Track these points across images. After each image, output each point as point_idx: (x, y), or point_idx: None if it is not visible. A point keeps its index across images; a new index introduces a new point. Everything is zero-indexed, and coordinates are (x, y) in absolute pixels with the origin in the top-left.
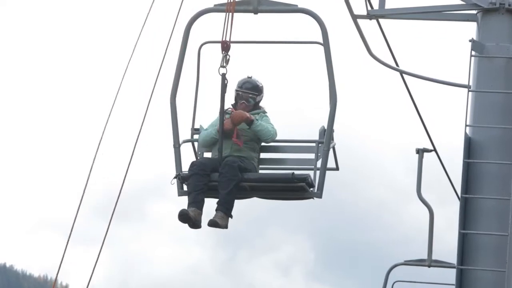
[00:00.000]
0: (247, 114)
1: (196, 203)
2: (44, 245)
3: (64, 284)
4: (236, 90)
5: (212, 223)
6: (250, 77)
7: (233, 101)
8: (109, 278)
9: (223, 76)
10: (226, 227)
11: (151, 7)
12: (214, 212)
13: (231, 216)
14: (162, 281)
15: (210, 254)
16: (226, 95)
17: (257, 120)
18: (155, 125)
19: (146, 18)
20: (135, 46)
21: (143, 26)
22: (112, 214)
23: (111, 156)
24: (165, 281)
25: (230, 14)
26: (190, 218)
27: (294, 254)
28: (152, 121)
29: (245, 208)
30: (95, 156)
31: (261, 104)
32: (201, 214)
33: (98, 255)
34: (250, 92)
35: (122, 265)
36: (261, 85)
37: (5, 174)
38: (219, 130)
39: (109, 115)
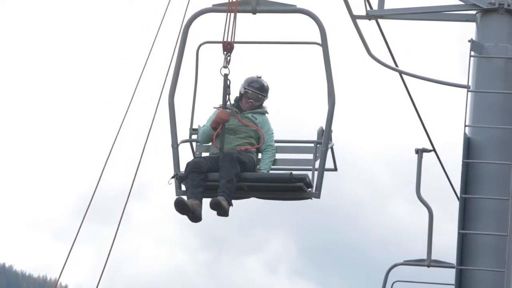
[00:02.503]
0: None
1: (194, 196)
2: (35, 245)
3: (63, 284)
4: (245, 88)
5: (215, 202)
6: (260, 77)
7: (233, 98)
8: (96, 277)
9: (225, 77)
10: (227, 213)
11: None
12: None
13: (232, 204)
14: (147, 281)
15: (195, 254)
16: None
17: (264, 168)
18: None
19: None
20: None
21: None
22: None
23: (101, 159)
24: (150, 281)
25: (232, 14)
26: (187, 207)
27: (280, 254)
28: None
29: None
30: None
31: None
32: (200, 205)
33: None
34: (259, 93)
35: (108, 264)
36: (267, 86)
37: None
38: (222, 129)
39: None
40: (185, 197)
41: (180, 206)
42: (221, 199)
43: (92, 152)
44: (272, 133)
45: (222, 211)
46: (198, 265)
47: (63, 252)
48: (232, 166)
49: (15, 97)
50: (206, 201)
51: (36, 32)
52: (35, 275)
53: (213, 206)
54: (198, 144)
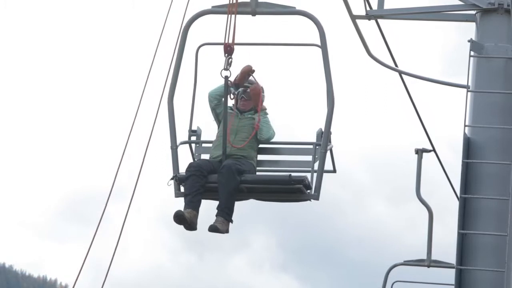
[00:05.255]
0: (261, 101)
1: (192, 205)
2: (31, 244)
3: (63, 284)
4: (238, 90)
5: (213, 229)
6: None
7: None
8: (85, 276)
9: (226, 79)
10: (227, 231)
11: None
12: (208, 213)
13: (231, 221)
14: (136, 281)
15: (180, 255)
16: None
17: (266, 113)
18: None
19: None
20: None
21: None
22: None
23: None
24: (139, 281)
25: (232, 16)
26: (185, 219)
27: (265, 253)
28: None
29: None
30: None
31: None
32: (196, 215)
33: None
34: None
35: (96, 264)
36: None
37: None
38: (223, 131)
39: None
40: (183, 206)
41: (179, 219)
42: (218, 224)
43: (87, 152)
44: (272, 127)
45: (221, 233)
46: (185, 264)
47: (58, 252)
48: (230, 181)
49: (9, 98)
50: (204, 203)
51: (36, 32)
52: (35, 275)
53: (211, 230)
54: (197, 145)
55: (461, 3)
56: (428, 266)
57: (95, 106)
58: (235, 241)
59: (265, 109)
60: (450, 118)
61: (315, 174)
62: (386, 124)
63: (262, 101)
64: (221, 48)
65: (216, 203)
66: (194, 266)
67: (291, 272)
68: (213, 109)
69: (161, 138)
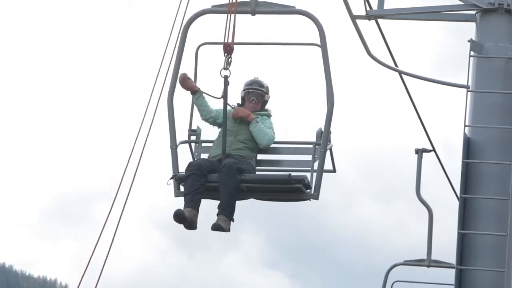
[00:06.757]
0: (249, 113)
1: (192, 204)
2: (29, 244)
3: (63, 284)
4: (245, 90)
5: (216, 227)
6: (257, 77)
7: (238, 102)
8: (79, 276)
9: (226, 78)
10: (228, 230)
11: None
12: (209, 213)
13: (233, 220)
14: (127, 282)
15: (171, 254)
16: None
17: (257, 122)
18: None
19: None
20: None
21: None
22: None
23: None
24: (131, 282)
25: (232, 15)
26: (185, 219)
27: (258, 252)
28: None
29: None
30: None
31: (267, 106)
32: (196, 215)
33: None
34: (259, 89)
35: (91, 263)
36: (267, 85)
37: None
38: (223, 130)
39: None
40: (183, 205)
41: (179, 218)
42: (221, 222)
43: (84, 153)
44: (271, 130)
45: (224, 231)
46: (176, 264)
47: (58, 252)
48: (231, 180)
49: (5, 102)
50: (204, 202)
51: (36, 32)
52: (35, 275)
53: (215, 229)
54: (197, 145)
55: (461, 3)
56: (428, 266)
57: (89, 110)
58: (226, 240)
59: (268, 113)
60: (450, 118)
61: (314, 174)
62: (386, 124)
63: (265, 103)
64: (221, 47)
65: (215, 202)
66: (185, 266)
67: (282, 270)
68: (216, 123)
69: (159, 138)
